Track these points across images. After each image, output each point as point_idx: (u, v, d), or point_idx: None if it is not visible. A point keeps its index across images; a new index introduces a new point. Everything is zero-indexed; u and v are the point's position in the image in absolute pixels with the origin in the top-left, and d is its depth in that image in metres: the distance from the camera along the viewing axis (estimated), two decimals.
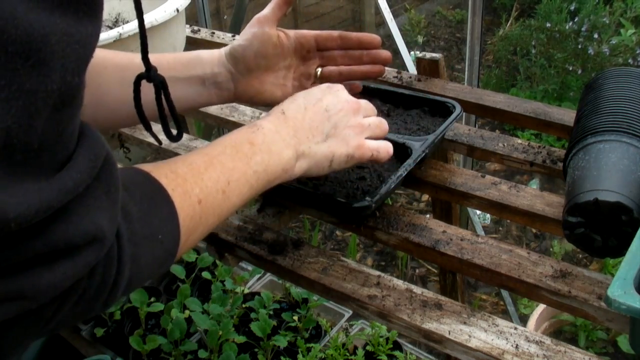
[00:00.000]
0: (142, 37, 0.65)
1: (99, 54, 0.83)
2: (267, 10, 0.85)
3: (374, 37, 0.92)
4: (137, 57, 0.85)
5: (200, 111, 1.21)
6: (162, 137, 0.77)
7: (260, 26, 0.85)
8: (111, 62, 0.82)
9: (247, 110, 1.19)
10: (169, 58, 0.85)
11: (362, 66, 0.92)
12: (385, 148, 0.77)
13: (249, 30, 0.86)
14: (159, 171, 0.57)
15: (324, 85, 0.77)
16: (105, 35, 1.11)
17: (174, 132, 0.76)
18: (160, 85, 0.69)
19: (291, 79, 0.90)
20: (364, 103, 0.78)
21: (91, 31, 0.41)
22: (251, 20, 0.86)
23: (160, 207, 0.55)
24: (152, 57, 0.86)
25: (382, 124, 0.78)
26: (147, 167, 0.57)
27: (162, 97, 0.72)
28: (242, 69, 0.86)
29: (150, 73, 0.67)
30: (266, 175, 0.67)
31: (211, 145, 0.66)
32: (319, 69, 0.91)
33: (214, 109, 1.21)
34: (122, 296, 0.51)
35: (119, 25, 1.17)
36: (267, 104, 0.89)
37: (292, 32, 0.89)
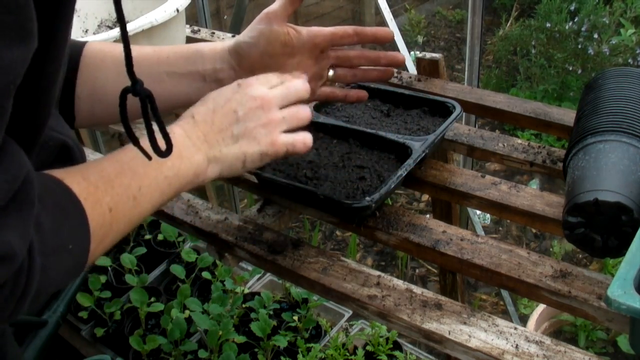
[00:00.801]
0: (125, 48, 0.64)
1: (97, 46, 0.82)
2: (276, 5, 0.81)
3: (388, 31, 0.87)
4: (138, 49, 0.84)
5: None
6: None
7: (269, 23, 0.81)
8: (110, 55, 0.82)
9: None
10: (168, 52, 0.84)
11: (376, 68, 0.89)
12: (301, 140, 0.74)
13: (256, 27, 0.82)
14: (71, 178, 0.57)
15: (234, 83, 0.75)
16: (105, 36, 1.11)
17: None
18: (147, 99, 0.67)
19: None
20: (278, 93, 0.74)
21: (17, 56, 0.42)
22: (260, 15, 0.83)
23: (72, 217, 0.55)
24: (152, 50, 0.84)
25: (299, 113, 0.75)
26: (59, 173, 0.57)
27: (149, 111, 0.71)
28: (246, 67, 0.83)
29: (135, 87, 0.65)
30: (178, 180, 0.67)
31: (122, 150, 0.65)
32: (332, 71, 0.88)
33: None
34: (31, 304, 0.52)
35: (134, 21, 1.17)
36: None
37: (304, 30, 0.84)
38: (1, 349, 0.75)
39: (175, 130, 0.69)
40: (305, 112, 0.76)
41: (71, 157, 0.69)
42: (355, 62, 0.87)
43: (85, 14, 1.40)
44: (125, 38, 0.64)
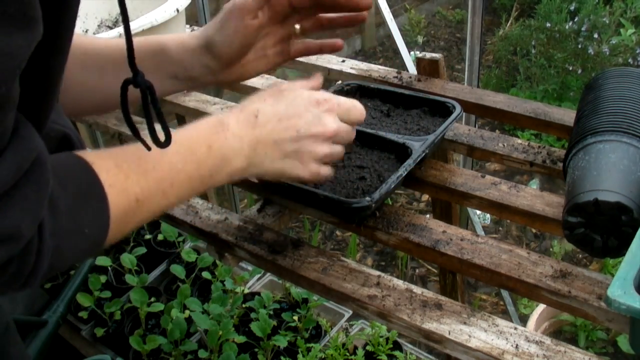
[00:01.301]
0: (127, 40, 0.64)
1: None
2: None
3: None
4: (98, 40, 0.82)
5: (200, 111, 1.22)
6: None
7: (241, 18, 0.78)
8: (74, 46, 0.80)
9: None
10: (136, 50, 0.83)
11: (342, 15, 0.84)
12: (329, 176, 0.77)
13: (229, 25, 0.79)
14: (102, 163, 0.57)
15: (314, 98, 0.73)
16: (105, 35, 1.11)
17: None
18: (148, 91, 0.66)
19: (271, 46, 0.85)
20: (344, 132, 0.74)
21: (21, 43, 0.43)
22: (229, 9, 0.78)
23: (92, 203, 0.55)
24: (118, 44, 0.80)
25: (340, 154, 0.77)
26: (91, 156, 0.57)
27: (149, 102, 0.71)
28: (223, 63, 0.81)
29: (137, 78, 0.65)
30: (212, 180, 0.67)
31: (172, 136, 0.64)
32: (297, 26, 0.85)
33: (214, 109, 1.21)
34: (48, 276, 0.54)
35: (119, 26, 1.17)
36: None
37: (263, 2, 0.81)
38: (4, 344, 0.75)
39: (231, 125, 0.68)
40: (343, 154, 0.78)
41: (72, 148, 0.69)
42: (319, 12, 0.84)
43: (85, 14, 1.40)
44: (127, 30, 0.63)
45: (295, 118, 0.71)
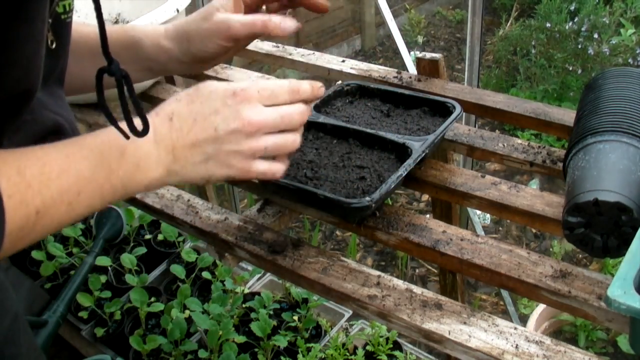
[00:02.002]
0: (101, 29, 0.61)
1: None
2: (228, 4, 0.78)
3: None
4: (80, 28, 0.80)
5: None
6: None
7: (225, 39, 0.78)
8: None
9: None
10: (111, 39, 0.80)
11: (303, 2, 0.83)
12: (272, 171, 0.71)
13: (211, 39, 0.78)
14: (6, 170, 0.53)
15: (230, 90, 0.67)
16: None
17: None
18: (123, 80, 0.64)
19: (244, 40, 0.83)
20: (270, 119, 0.68)
21: None
22: (211, 20, 0.77)
23: None
24: (93, 32, 0.77)
25: (285, 145, 0.70)
26: None
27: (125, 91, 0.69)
28: (197, 61, 0.81)
29: (111, 67, 0.63)
30: (124, 190, 0.63)
31: (79, 142, 0.61)
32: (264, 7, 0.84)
33: None
34: None
35: (119, 25, 1.17)
36: None
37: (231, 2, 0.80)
38: (15, 332, 0.76)
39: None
40: (293, 142, 0.71)
41: (62, 137, 0.66)
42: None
43: (85, 14, 1.40)
44: (100, 18, 0.63)
45: (212, 115, 0.66)
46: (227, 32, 0.78)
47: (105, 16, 1.55)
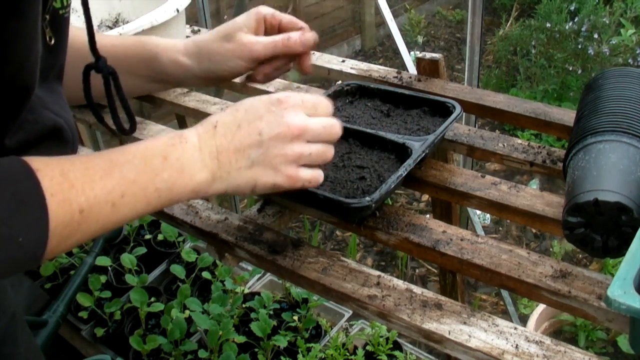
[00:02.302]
0: (88, 26, 0.61)
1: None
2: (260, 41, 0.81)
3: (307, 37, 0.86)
4: (98, 38, 0.83)
5: (200, 111, 1.21)
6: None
7: (251, 60, 0.82)
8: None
9: None
10: (125, 51, 0.80)
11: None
12: (317, 179, 0.72)
13: (230, 64, 0.81)
14: (47, 171, 0.54)
15: (274, 98, 0.69)
16: (108, 34, 1.11)
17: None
18: (111, 76, 0.65)
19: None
20: (315, 125, 0.69)
21: None
22: (238, 44, 0.80)
23: (29, 211, 0.52)
24: (110, 44, 0.80)
25: (326, 154, 0.71)
26: (37, 163, 0.55)
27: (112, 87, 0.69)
28: (213, 81, 0.84)
29: (98, 63, 0.63)
30: (170, 194, 0.63)
31: (121, 149, 0.62)
32: None
33: (214, 109, 1.21)
34: None
35: (119, 26, 1.17)
36: None
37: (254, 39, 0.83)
38: (13, 332, 0.76)
39: (190, 138, 0.65)
40: (330, 155, 0.72)
41: (62, 139, 0.67)
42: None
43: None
44: (87, 15, 0.62)
45: (257, 121, 0.67)
46: (251, 53, 0.80)
47: (105, 16, 1.55)
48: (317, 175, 0.72)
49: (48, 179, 0.54)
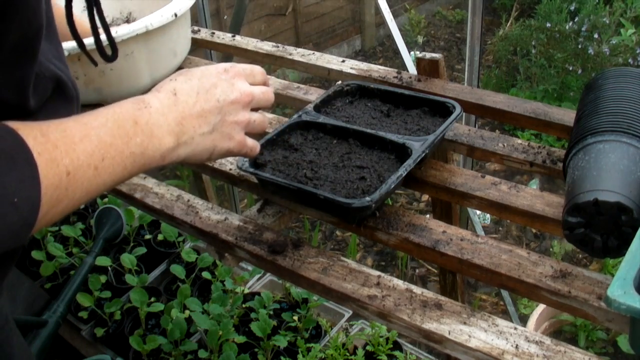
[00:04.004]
0: None
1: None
2: None
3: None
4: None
5: None
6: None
7: None
8: None
9: None
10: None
11: None
12: (256, 148, 0.78)
13: None
14: (28, 131, 0.52)
15: (221, 68, 0.74)
16: (118, 31, 1.10)
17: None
18: (93, 1, 0.65)
19: None
20: (258, 93, 0.76)
21: None
22: None
23: (21, 168, 0.50)
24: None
25: (264, 121, 0.77)
26: (14, 124, 0.52)
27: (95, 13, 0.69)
28: None
29: None
30: (142, 159, 0.64)
31: (92, 114, 0.61)
32: None
33: None
34: None
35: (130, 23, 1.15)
36: None
37: None
38: (6, 336, 0.75)
39: (153, 103, 0.66)
40: (266, 122, 0.78)
41: (67, 95, 0.67)
42: None
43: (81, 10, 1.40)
44: None
45: (212, 88, 0.71)
46: None
47: (116, 14, 1.54)
48: (256, 144, 0.78)
49: (31, 138, 0.52)
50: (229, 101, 0.72)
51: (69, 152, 0.55)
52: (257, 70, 0.78)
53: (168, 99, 0.68)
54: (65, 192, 0.55)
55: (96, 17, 0.72)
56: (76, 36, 0.69)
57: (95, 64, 0.60)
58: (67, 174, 0.54)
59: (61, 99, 0.66)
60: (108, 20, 1.44)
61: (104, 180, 0.59)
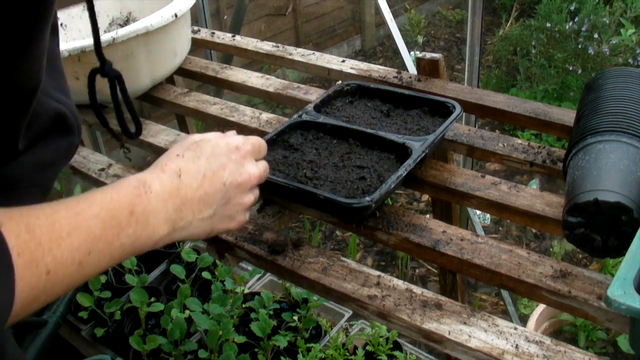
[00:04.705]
0: (94, 31, 0.60)
1: None
2: None
3: None
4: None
5: (200, 111, 1.22)
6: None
7: None
8: None
9: (247, 110, 1.19)
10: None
11: None
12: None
13: None
14: (13, 226, 0.50)
15: (232, 145, 0.71)
16: (118, 33, 1.10)
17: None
18: (116, 80, 0.64)
19: None
20: (263, 174, 0.75)
21: None
22: None
23: None
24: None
25: (256, 196, 0.76)
26: (2, 215, 0.51)
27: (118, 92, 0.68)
28: None
29: (104, 67, 0.62)
30: (132, 248, 0.61)
31: (87, 199, 0.58)
32: None
33: (214, 109, 1.21)
34: None
35: (130, 25, 1.15)
36: None
37: None
38: (0, 347, 0.75)
39: (154, 187, 0.63)
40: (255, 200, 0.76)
41: (66, 127, 0.65)
42: None
43: (97, 12, 1.40)
44: (93, 18, 0.61)
45: (220, 170, 0.69)
46: None
47: (116, 14, 1.54)
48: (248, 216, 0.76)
49: (14, 236, 0.50)
50: (235, 184, 0.70)
51: (53, 249, 0.53)
52: (263, 145, 0.77)
53: (171, 182, 0.65)
54: (42, 291, 0.52)
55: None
56: (99, 114, 0.67)
57: (118, 139, 0.58)
58: (47, 273, 0.52)
59: (61, 131, 0.65)
60: (108, 20, 1.45)
61: (87, 273, 0.57)
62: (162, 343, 1.58)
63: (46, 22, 0.53)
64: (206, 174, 0.68)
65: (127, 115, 0.79)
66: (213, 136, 0.72)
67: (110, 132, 0.60)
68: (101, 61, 0.63)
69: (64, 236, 0.54)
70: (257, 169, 0.73)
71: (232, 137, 0.73)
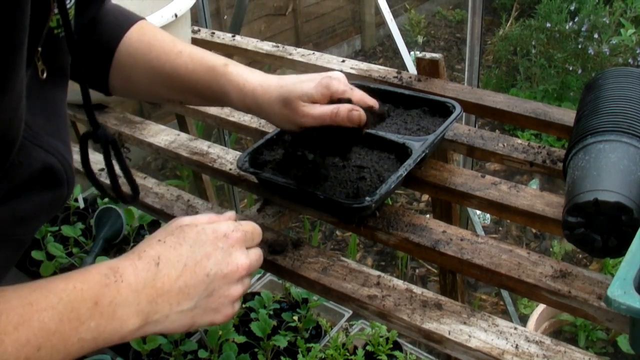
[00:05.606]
0: (84, 94, 0.56)
1: (129, 47, 0.80)
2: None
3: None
4: (169, 49, 0.81)
5: (199, 111, 1.21)
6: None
7: (299, 126, 0.80)
8: (141, 61, 0.81)
9: None
10: (199, 82, 0.78)
11: None
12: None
13: (288, 125, 0.81)
14: None
15: (220, 233, 0.65)
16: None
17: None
18: (110, 145, 0.60)
19: None
20: (255, 264, 0.68)
21: None
22: (293, 112, 0.79)
23: None
24: (184, 66, 0.78)
25: (245, 288, 0.69)
26: None
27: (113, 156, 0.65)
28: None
29: (97, 133, 0.58)
30: (94, 343, 0.55)
31: (48, 287, 0.53)
32: None
33: (214, 110, 1.20)
34: None
35: None
36: None
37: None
38: None
39: (126, 277, 0.57)
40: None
41: (53, 181, 0.60)
42: None
43: None
44: (84, 87, 0.58)
45: (204, 259, 0.62)
46: (300, 123, 0.79)
47: None
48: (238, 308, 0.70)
49: None
50: (221, 275, 0.63)
51: None
52: (257, 232, 0.71)
53: (147, 270, 0.59)
54: None
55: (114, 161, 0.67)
56: (95, 182, 0.64)
57: (117, 201, 0.54)
58: None
59: (47, 185, 0.59)
60: None
61: None
62: (162, 343, 1.58)
63: (15, 73, 0.48)
64: (187, 263, 0.61)
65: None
66: (202, 220, 0.66)
67: (108, 197, 0.57)
68: (93, 126, 0.59)
69: (10, 330, 0.49)
70: (247, 259, 0.66)
71: (222, 223, 0.67)
